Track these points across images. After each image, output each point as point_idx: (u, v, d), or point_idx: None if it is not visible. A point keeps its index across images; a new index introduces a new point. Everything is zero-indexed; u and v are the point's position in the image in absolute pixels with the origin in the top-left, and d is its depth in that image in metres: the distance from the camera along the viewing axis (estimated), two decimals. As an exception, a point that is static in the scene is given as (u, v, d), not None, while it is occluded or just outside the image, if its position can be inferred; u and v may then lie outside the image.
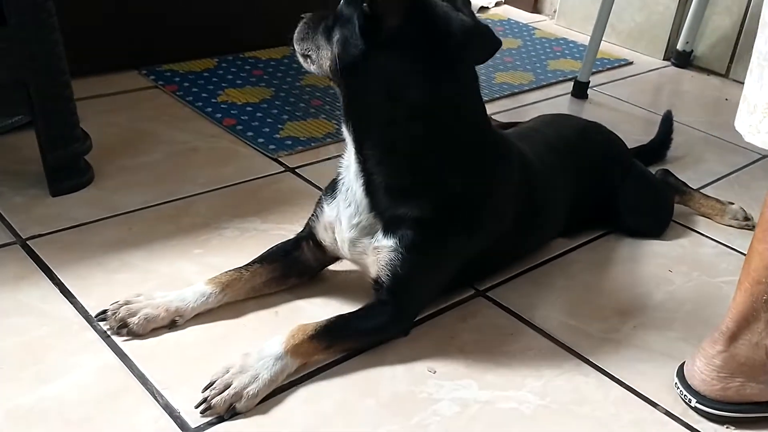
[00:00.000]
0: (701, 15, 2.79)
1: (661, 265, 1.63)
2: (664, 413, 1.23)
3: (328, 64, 1.22)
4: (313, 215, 1.38)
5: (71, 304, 1.30)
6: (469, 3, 1.28)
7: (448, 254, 1.29)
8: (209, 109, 2.06)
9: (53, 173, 1.58)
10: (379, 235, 1.26)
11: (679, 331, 1.42)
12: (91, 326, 1.26)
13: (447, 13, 1.19)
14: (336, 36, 1.20)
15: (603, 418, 1.21)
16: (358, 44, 1.17)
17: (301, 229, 1.42)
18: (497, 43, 1.26)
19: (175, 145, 1.87)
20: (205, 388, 1.12)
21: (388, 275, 1.24)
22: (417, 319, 1.34)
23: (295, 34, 1.27)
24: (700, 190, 1.91)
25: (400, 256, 1.23)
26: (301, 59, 1.28)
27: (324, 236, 1.35)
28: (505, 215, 1.34)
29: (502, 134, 1.39)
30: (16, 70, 1.47)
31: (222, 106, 2.09)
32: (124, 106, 2.04)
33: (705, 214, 1.82)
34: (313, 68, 1.27)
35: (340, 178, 1.32)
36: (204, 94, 2.14)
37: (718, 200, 1.83)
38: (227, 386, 1.11)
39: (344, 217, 1.30)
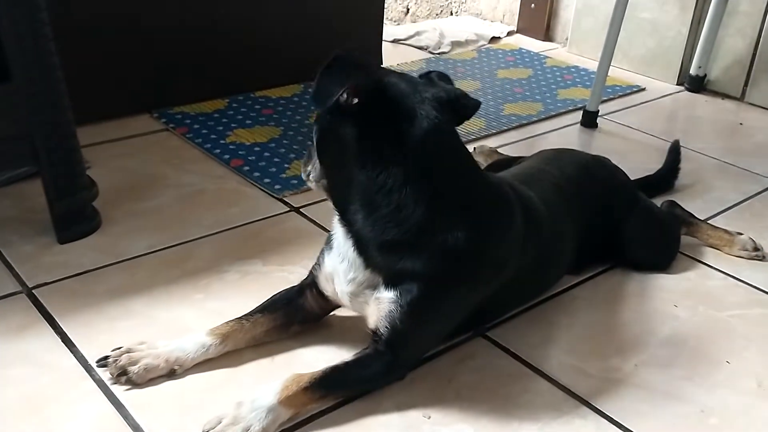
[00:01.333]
0: (713, 38, 2.77)
1: (667, 299, 1.61)
2: (664, 456, 1.21)
3: (317, 168, 1.30)
4: (315, 264, 1.39)
5: (72, 353, 1.32)
6: (447, 77, 1.35)
7: (448, 307, 1.29)
8: (217, 151, 2.09)
9: (60, 221, 1.62)
10: (381, 287, 1.26)
11: (684, 369, 1.40)
12: (90, 375, 1.28)
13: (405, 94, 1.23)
14: (314, 134, 1.28)
15: (600, 462, 1.19)
16: (326, 119, 1.24)
17: (306, 275, 1.43)
18: (473, 106, 1.33)
19: (183, 188, 1.90)
20: (198, 440, 1.13)
21: (387, 327, 1.24)
22: (414, 362, 1.34)
23: (303, 174, 1.35)
24: (710, 220, 1.89)
25: (400, 308, 1.23)
26: (312, 185, 1.34)
27: (325, 286, 1.36)
28: (507, 264, 1.34)
29: (498, 182, 1.38)
30: (21, 124, 1.51)
31: (230, 146, 2.12)
32: (134, 150, 2.08)
33: (713, 246, 1.80)
34: (318, 187, 1.33)
35: (332, 233, 1.33)
36: (213, 135, 2.18)
37: (726, 231, 1.80)
38: (218, 438, 1.12)
39: (340, 272, 1.31)
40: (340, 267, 1.30)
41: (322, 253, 1.36)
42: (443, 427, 1.22)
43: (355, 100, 1.19)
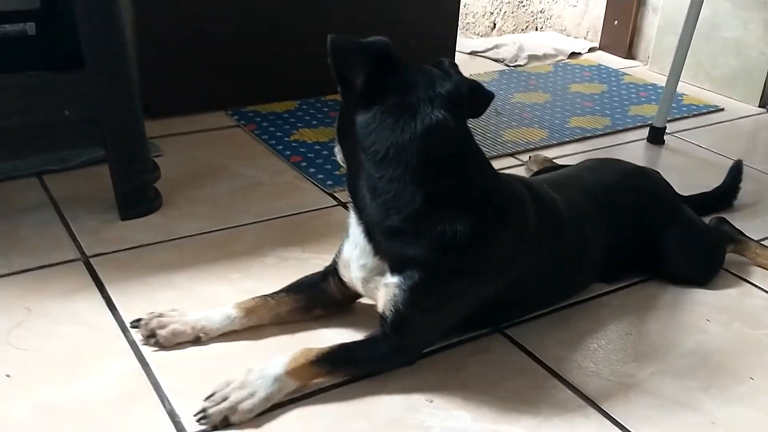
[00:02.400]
0: (799, 60, 2.68)
1: (700, 313, 1.58)
2: (661, 461, 1.21)
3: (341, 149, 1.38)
4: (337, 252, 1.47)
5: (113, 315, 1.44)
6: (456, 65, 1.37)
7: (450, 296, 1.33)
8: (280, 147, 2.20)
9: (123, 200, 1.76)
10: (388, 273, 1.32)
11: (701, 381, 1.38)
12: (125, 336, 1.39)
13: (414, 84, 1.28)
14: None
15: (594, 460, 1.20)
16: (343, 113, 1.32)
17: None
18: (489, 97, 1.36)
19: (242, 179, 2.02)
20: (206, 399, 1.21)
21: (390, 310, 1.30)
22: (426, 350, 1.39)
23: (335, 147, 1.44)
24: (764, 241, 1.84)
25: (402, 293, 1.28)
26: (340, 163, 1.43)
27: (344, 273, 1.43)
28: (513, 261, 1.36)
29: (511, 180, 1.42)
30: (91, 108, 1.66)
31: (293, 144, 2.23)
32: (204, 143, 2.22)
33: (762, 265, 1.75)
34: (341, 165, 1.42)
35: (348, 221, 1.40)
36: (279, 133, 2.29)
37: (776, 250, 1.75)
38: (224, 399, 1.20)
39: (353, 258, 1.37)
40: (353, 253, 1.36)
41: (342, 241, 1.43)
42: (442, 411, 1.26)
43: (361, 80, 1.25)
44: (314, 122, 2.39)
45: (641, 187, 1.70)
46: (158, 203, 1.83)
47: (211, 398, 1.21)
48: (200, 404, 1.21)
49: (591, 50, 3.36)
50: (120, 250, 1.66)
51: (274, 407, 1.23)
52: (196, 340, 1.38)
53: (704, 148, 2.45)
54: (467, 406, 1.28)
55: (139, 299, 1.49)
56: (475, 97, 1.33)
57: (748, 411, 1.32)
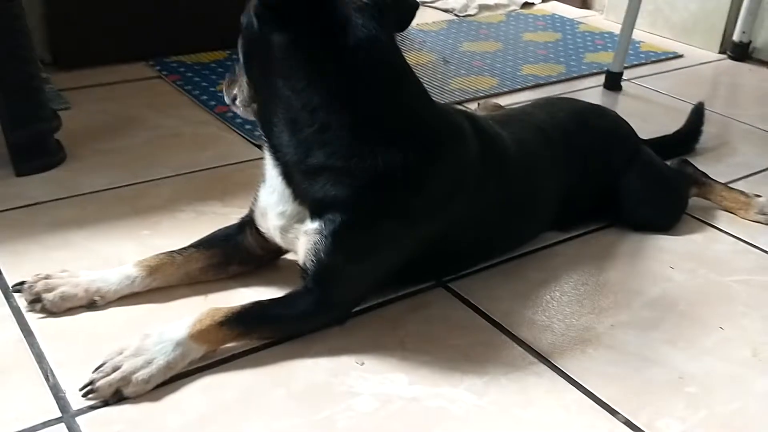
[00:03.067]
0: (759, 2, 2.54)
1: (664, 261, 1.44)
2: (624, 423, 1.05)
3: (245, 88, 1.18)
4: (253, 199, 1.28)
5: (-4, 279, 1.25)
6: None
7: (378, 240, 1.15)
8: (204, 97, 2.00)
9: (17, 152, 1.55)
10: (308, 220, 1.14)
11: (666, 333, 1.24)
12: (8, 302, 1.19)
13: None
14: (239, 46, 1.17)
15: (548, 424, 1.04)
16: (253, 24, 1.11)
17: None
18: (413, 6, 1.16)
19: (159, 131, 1.81)
20: (95, 370, 1.03)
21: (312, 261, 1.12)
22: (360, 308, 1.22)
23: (224, 93, 1.23)
24: (730, 184, 1.69)
25: (323, 240, 1.11)
26: (232, 107, 1.23)
27: (260, 222, 1.25)
28: (450, 198, 1.19)
29: (451, 110, 1.24)
30: (-29, 45, 1.44)
31: (219, 94, 2.01)
32: (119, 95, 2.01)
33: (727, 209, 1.61)
34: (245, 113, 1.21)
35: (264, 164, 1.22)
36: (204, 84, 2.09)
37: (742, 192, 1.61)
38: (116, 368, 1.02)
39: (270, 205, 1.19)
40: (270, 200, 1.18)
41: (258, 187, 1.25)
42: (374, 375, 1.10)
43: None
44: (245, 72, 2.19)
45: (598, 125, 1.54)
46: (60, 157, 1.62)
47: (101, 369, 1.02)
48: (88, 376, 1.02)
49: (544, 1, 3.20)
50: (12, 209, 1.45)
51: (176, 377, 1.05)
52: (91, 305, 1.18)
53: (663, 93, 2.31)
54: (404, 367, 1.11)
55: (30, 261, 1.30)
56: (401, 4, 1.14)
57: (720, 364, 1.18)
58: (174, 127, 1.84)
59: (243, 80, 1.17)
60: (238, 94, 1.20)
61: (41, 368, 1.06)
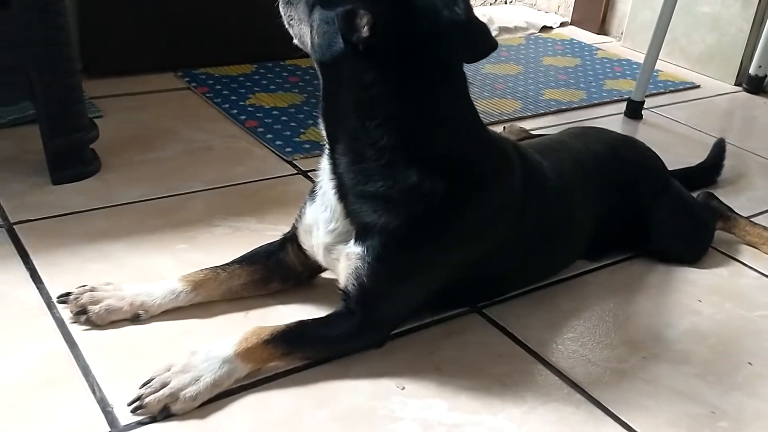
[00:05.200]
0: (777, 36, 2.58)
1: (691, 293, 1.46)
2: (661, 456, 1.07)
3: (307, 42, 1.15)
4: (297, 216, 1.30)
5: (38, 289, 1.26)
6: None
7: (420, 266, 1.17)
8: (234, 111, 2.02)
9: (54, 161, 1.56)
10: (352, 241, 1.16)
11: (697, 367, 1.26)
12: (51, 313, 1.20)
13: (434, 10, 1.08)
14: (315, 21, 1.12)
15: (587, 455, 1.06)
16: (336, 42, 1.08)
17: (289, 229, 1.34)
18: (491, 45, 1.16)
19: (190, 144, 1.83)
20: (143, 385, 1.04)
21: (354, 284, 1.14)
22: (396, 331, 1.23)
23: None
24: (750, 218, 1.72)
25: (366, 265, 1.13)
26: (286, 25, 1.20)
27: (304, 239, 1.26)
28: (495, 228, 1.22)
29: (502, 143, 1.26)
30: (16, 54, 1.46)
31: (248, 108, 2.04)
32: (150, 105, 2.02)
33: (751, 243, 1.64)
34: (296, 41, 1.19)
35: (318, 180, 1.23)
36: (233, 97, 2.10)
37: (766, 228, 1.64)
38: (164, 385, 1.03)
39: (321, 221, 1.21)
40: (321, 216, 1.20)
41: (304, 204, 1.27)
42: (415, 400, 1.11)
43: (366, 33, 1.04)
44: (272, 87, 2.21)
45: (630, 157, 1.56)
46: (95, 167, 1.64)
47: (149, 384, 1.04)
48: (136, 391, 1.03)
49: (562, 25, 3.23)
50: (48, 217, 1.46)
51: (222, 395, 1.07)
52: (135, 318, 1.20)
53: (682, 123, 2.34)
54: (443, 393, 1.13)
55: (68, 271, 1.31)
56: (472, 40, 1.14)
57: (750, 401, 1.20)
58: (205, 141, 1.85)
59: (305, 28, 1.13)
60: (294, 24, 1.17)
61: (88, 381, 1.08)
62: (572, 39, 3.05)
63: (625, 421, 1.12)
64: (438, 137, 1.13)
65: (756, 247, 1.63)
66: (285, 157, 1.81)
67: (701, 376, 1.24)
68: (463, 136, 1.16)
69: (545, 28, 3.15)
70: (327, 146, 1.18)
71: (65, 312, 1.20)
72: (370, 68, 1.08)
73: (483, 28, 1.18)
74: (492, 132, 1.28)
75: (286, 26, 1.19)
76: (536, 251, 1.34)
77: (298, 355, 1.14)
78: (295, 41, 1.19)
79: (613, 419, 1.12)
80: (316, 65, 1.15)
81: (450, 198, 1.12)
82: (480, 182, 1.17)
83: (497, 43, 1.19)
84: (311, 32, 1.12)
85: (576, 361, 1.24)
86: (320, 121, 1.18)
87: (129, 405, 1.02)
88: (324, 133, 1.18)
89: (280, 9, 1.19)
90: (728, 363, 1.28)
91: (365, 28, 1.04)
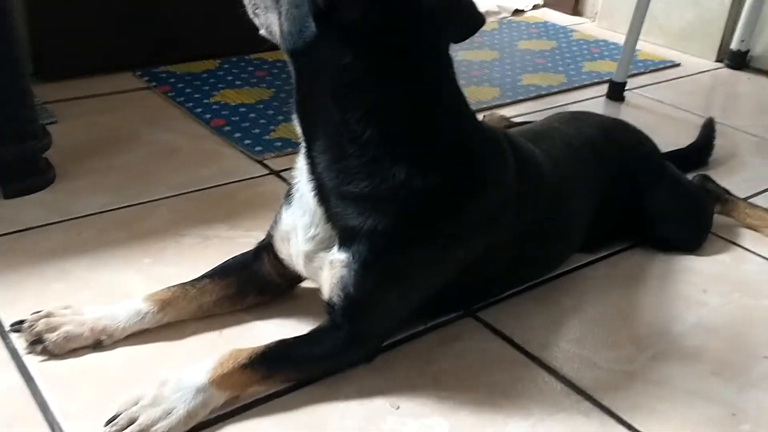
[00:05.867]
0: (759, 10, 2.51)
1: (695, 284, 1.38)
2: (682, 466, 0.99)
3: (275, 31, 1.03)
4: (273, 222, 1.19)
5: (-11, 317, 1.14)
6: None
7: (412, 271, 1.07)
8: (199, 110, 1.90)
9: (5, 173, 1.44)
10: (335, 248, 1.05)
11: (710, 364, 1.17)
12: (4, 343, 1.09)
13: None
14: (283, 7, 1.00)
15: (602, 470, 0.97)
16: (307, 27, 0.95)
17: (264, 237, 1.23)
18: (480, 20, 1.06)
19: (154, 146, 1.71)
20: (108, 423, 0.93)
21: (339, 295, 1.04)
22: (386, 343, 1.13)
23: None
24: (749, 200, 1.64)
25: (353, 273, 1.02)
26: (251, 15, 1.08)
27: (281, 248, 1.15)
28: (491, 225, 1.12)
29: (493, 133, 1.16)
30: (-44, 58, 1.33)
31: (214, 106, 1.93)
32: (108, 107, 1.90)
33: (751, 226, 1.56)
34: (262, 31, 1.07)
35: (295, 182, 1.12)
36: (197, 95, 1.98)
37: (767, 210, 1.56)
38: (132, 421, 0.92)
39: (300, 227, 1.10)
40: (300, 222, 1.09)
41: (280, 208, 1.16)
42: (412, 420, 1.01)
43: (356, 15, 0.94)
44: (238, 82, 2.09)
45: (623, 140, 1.48)
46: (50, 177, 1.52)
47: (115, 422, 0.93)
48: (100, 430, 0.92)
49: (535, 7, 3.14)
50: (2, 235, 1.34)
51: (197, 427, 0.96)
52: (97, 345, 1.08)
53: (666, 103, 2.26)
54: (443, 410, 1.03)
55: (26, 294, 1.19)
56: (458, 17, 1.05)
57: (770, 397, 1.12)
58: (169, 143, 1.73)
59: (272, 16, 1.02)
60: (260, 13, 1.05)
61: (46, 419, 0.96)
62: (546, 22, 2.96)
63: (640, 430, 1.03)
64: (426, 128, 1.03)
65: (757, 230, 1.55)
66: (255, 157, 1.70)
67: (716, 373, 1.15)
68: (453, 126, 1.05)
69: (518, 12, 3.07)
70: (303, 144, 1.07)
71: (19, 341, 1.08)
72: (349, 53, 0.97)
73: (469, 3, 1.08)
74: (482, 122, 1.17)
75: (251, 16, 1.08)
76: (534, 247, 1.24)
77: (280, 378, 1.03)
78: (262, 32, 1.07)
79: (627, 428, 1.03)
80: (286, 56, 1.04)
81: (443, 195, 1.02)
82: (473, 177, 1.06)
83: (485, 18, 1.09)
84: (279, 19, 1.01)
85: (581, 364, 1.15)
86: (294, 117, 1.06)
87: (93, 446, 0.91)
88: (299, 130, 1.06)
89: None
90: (742, 357, 1.20)
91: (347, 6, 0.93)
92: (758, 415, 1.08)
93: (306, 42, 0.97)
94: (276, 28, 1.03)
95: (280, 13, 1.00)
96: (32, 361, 1.05)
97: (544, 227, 1.24)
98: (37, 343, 1.06)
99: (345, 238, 1.04)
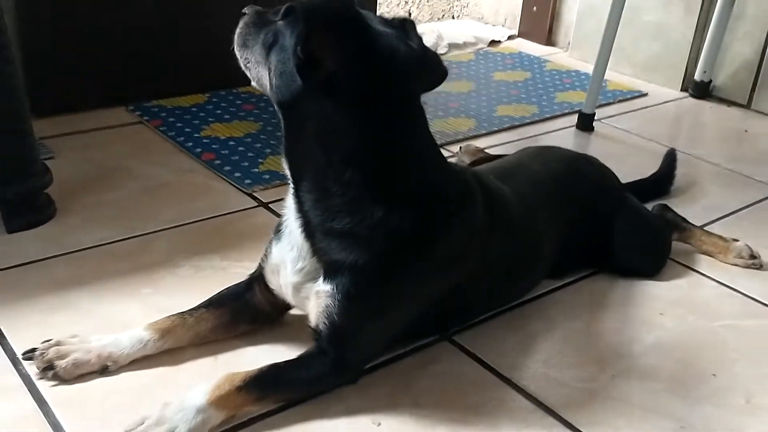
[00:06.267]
0: (719, 42, 2.66)
1: (653, 308, 1.49)
2: (636, 476, 1.09)
3: (266, 84, 1.14)
4: (263, 255, 1.29)
5: (1, 346, 1.23)
6: (414, 27, 1.18)
7: (391, 302, 1.18)
8: (189, 144, 2.00)
9: (9, 209, 1.53)
10: (320, 279, 1.16)
11: (664, 382, 1.28)
12: (16, 370, 1.18)
13: (391, 47, 1.09)
14: (273, 62, 1.12)
15: (564, 480, 1.08)
16: (294, 81, 1.07)
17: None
18: (444, 72, 1.18)
19: (147, 181, 1.81)
20: (117, 442, 1.03)
21: (325, 323, 1.14)
22: (370, 365, 1.23)
23: (236, 37, 1.18)
24: (706, 227, 1.77)
25: (337, 303, 1.13)
26: (243, 68, 1.20)
27: (271, 279, 1.26)
28: (463, 260, 1.23)
29: (461, 171, 1.28)
30: (-36, 104, 1.43)
31: (204, 140, 2.03)
32: (102, 142, 2.00)
33: (707, 252, 1.68)
34: (254, 83, 1.19)
35: (283, 218, 1.23)
36: (188, 129, 2.09)
37: (721, 237, 1.69)
38: (138, 440, 1.02)
39: (289, 260, 1.20)
40: (289, 256, 1.19)
41: (270, 242, 1.26)
42: (393, 437, 1.12)
43: (331, 68, 1.05)
44: (226, 116, 2.20)
45: (588, 174, 1.59)
46: (51, 212, 1.61)
47: (123, 441, 1.02)
48: (110, 449, 1.02)
49: (510, 38, 3.28)
50: (6, 268, 1.43)
51: (198, 445, 1.06)
52: (103, 370, 1.18)
53: (632, 133, 2.39)
54: (420, 427, 1.14)
55: (32, 324, 1.28)
56: (427, 71, 1.17)
57: (716, 411, 1.23)
58: (161, 177, 1.83)
59: (263, 70, 1.13)
60: (251, 66, 1.16)
61: (59, 440, 1.06)
62: (521, 52, 3.10)
63: (599, 443, 1.14)
64: (401, 171, 1.14)
65: (712, 256, 1.67)
66: (245, 190, 1.80)
67: (669, 390, 1.26)
68: (425, 169, 1.17)
69: (494, 42, 3.19)
70: (291, 184, 1.18)
71: (32, 368, 1.17)
72: (331, 104, 1.08)
73: (435, 57, 1.20)
74: (452, 163, 1.29)
75: (243, 69, 1.19)
76: (503, 277, 1.35)
77: (272, 399, 1.13)
78: (254, 84, 1.18)
79: (588, 441, 1.14)
80: (276, 106, 1.15)
81: (417, 233, 1.14)
82: (445, 215, 1.18)
83: (447, 71, 1.21)
84: (269, 74, 1.12)
85: (547, 383, 1.25)
86: (283, 160, 1.17)
87: (103, 464, 1.01)
88: (288, 171, 1.17)
89: (236, 52, 1.18)
90: (694, 376, 1.31)
91: (329, 62, 1.04)
92: (704, 427, 1.19)
93: (293, 95, 1.08)
94: (266, 82, 1.14)
95: (269, 69, 1.12)
96: (44, 386, 1.15)
97: (513, 259, 1.35)
98: (48, 369, 1.15)
99: (329, 270, 1.14)
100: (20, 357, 1.19)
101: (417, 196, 1.15)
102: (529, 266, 1.43)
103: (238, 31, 1.18)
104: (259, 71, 1.15)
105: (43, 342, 1.19)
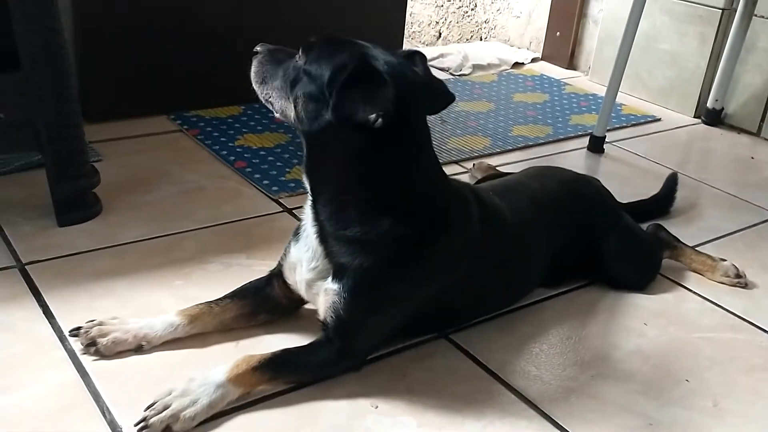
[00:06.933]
0: (731, 72, 2.77)
1: (638, 317, 1.62)
2: (602, 463, 1.23)
3: (291, 116, 1.30)
4: (282, 254, 1.46)
5: (50, 324, 1.40)
6: (425, 58, 1.34)
7: (389, 301, 1.34)
8: (224, 152, 2.18)
9: (60, 206, 1.71)
10: (329, 278, 1.32)
11: (639, 384, 1.42)
12: (63, 346, 1.35)
13: (400, 74, 1.24)
14: (300, 98, 1.26)
15: (537, 463, 1.22)
16: (322, 116, 1.22)
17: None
18: (450, 98, 1.34)
19: (184, 185, 1.99)
20: (147, 408, 1.19)
21: (332, 317, 1.30)
22: (371, 356, 1.39)
23: (253, 75, 1.35)
24: (699, 247, 1.89)
25: (342, 299, 1.29)
26: (264, 102, 1.36)
27: (288, 275, 1.42)
28: (454, 266, 1.38)
29: (462, 190, 1.44)
30: (27, 111, 1.62)
31: (238, 149, 2.21)
32: (145, 148, 2.18)
33: (696, 270, 1.80)
34: (278, 115, 1.35)
35: (302, 223, 1.39)
36: (223, 139, 2.27)
37: (709, 256, 1.81)
38: (166, 407, 1.18)
39: (304, 260, 1.37)
40: (304, 256, 1.36)
41: (289, 243, 1.42)
42: (387, 417, 1.27)
43: (379, 122, 1.17)
44: (259, 128, 2.37)
45: (583, 193, 1.73)
46: (97, 209, 1.79)
47: (153, 407, 1.19)
48: (141, 414, 1.18)
49: (534, 60, 3.42)
50: (57, 257, 1.62)
51: (217, 415, 1.22)
52: (138, 349, 1.35)
53: (642, 156, 2.52)
54: (413, 411, 1.29)
55: (78, 307, 1.46)
56: (440, 99, 1.34)
57: (684, 413, 1.35)
58: (197, 181, 2.01)
59: (285, 103, 1.29)
60: (273, 101, 1.33)
61: (99, 406, 1.23)
62: (542, 75, 3.23)
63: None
64: (407, 189, 1.30)
65: (701, 274, 1.80)
66: (272, 196, 1.97)
67: (642, 392, 1.39)
68: (428, 187, 1.33)
69: (517, 64, 3.34)
70: (310, 197, 1.34)
71: (76, 344, 1.34)
72: (354, 137, 1.23)
73: (440, 83, 1.35)
74: (453, 180, 1.44)
75: (264, 103, 1.35)
76: (497, 284, 1.50)
77: (283, 380, 1.29)
78: (277, 115, 1.34)
79: (560, 431, 1.28)
80: (300, 134, 1.31)
81: (417, 242, 1.29)
82: (443, 227, 1.33)
83: (454, 96, 1.37)
84: (296, 108, 1.28)
85: (531, 380, 1.39)
86: (304, 176, 1.34)
87: (135, 426, 1.17)
88: (308, 186, 1.33)
89: (255, 89, 1.35)
90: (667, 380, 1.44)
91: (378, 121, 1.17)
92: (670, 425, 1.32)
93: (320, 127, 1.24)
94: (291, 113, 1.30)
95: (295, 104, 1.27)
96: (87, 360, 1.32)
97: (506, 267, 1.50)
98: (90, 345, 1.33)
99: (337, 271, 1.30)
100: (67, 334, 1.36)
101: (419, 210, 1.31)
102: (521, 275, 1.57)
103: (254, 69, 1.34)
104: (283, 104, 1.31)
105: (88, 322, 1.36)
